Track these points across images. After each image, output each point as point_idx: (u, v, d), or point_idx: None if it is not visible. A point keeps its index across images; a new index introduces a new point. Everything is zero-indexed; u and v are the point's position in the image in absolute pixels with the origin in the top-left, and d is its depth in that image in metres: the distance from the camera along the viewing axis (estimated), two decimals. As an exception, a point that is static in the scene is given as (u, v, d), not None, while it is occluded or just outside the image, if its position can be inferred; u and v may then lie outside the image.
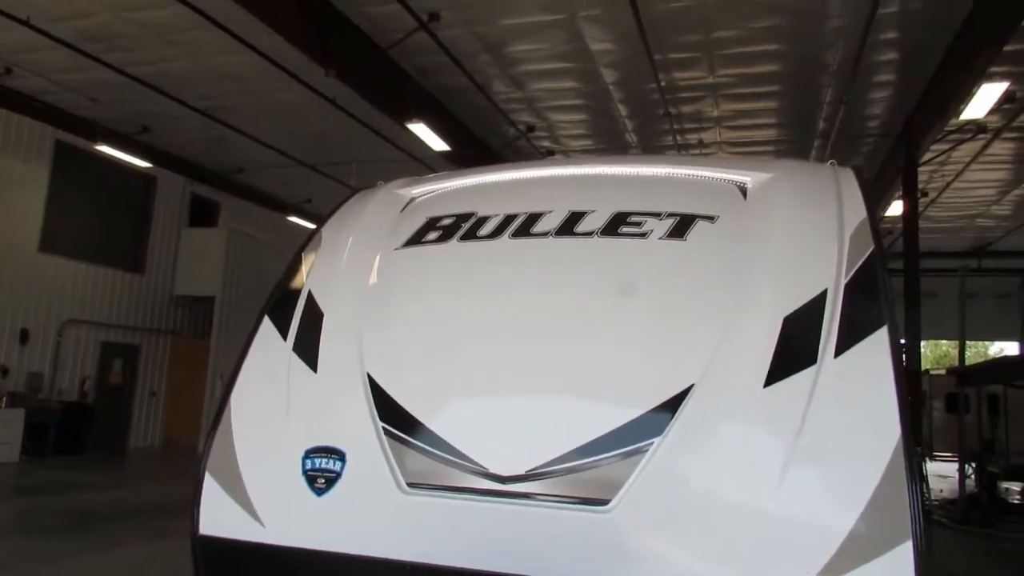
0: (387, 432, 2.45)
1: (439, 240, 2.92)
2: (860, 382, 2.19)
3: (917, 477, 2.02)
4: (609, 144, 13.80)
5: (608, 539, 2.15)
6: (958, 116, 9.38)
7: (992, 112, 9.62)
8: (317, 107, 11.42)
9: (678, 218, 2.69)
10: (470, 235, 2.86)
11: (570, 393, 2.40)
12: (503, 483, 2.27)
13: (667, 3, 8.48)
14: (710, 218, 2.69)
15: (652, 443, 2.19)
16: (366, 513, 2.43)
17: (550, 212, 2.82)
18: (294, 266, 3.11)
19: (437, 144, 11.31)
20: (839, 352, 2.25)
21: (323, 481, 2.45)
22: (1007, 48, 8.13)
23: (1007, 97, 9.33)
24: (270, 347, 2.83)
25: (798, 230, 2.60)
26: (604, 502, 2.16)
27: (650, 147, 13.81)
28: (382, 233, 3.09)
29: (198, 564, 2.57)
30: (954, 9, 8.28)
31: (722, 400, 2.21)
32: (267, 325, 2.89)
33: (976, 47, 8.01)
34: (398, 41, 9.35)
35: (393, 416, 2.47)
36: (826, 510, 2.03)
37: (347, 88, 10.20)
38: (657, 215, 2.72)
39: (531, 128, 12.88)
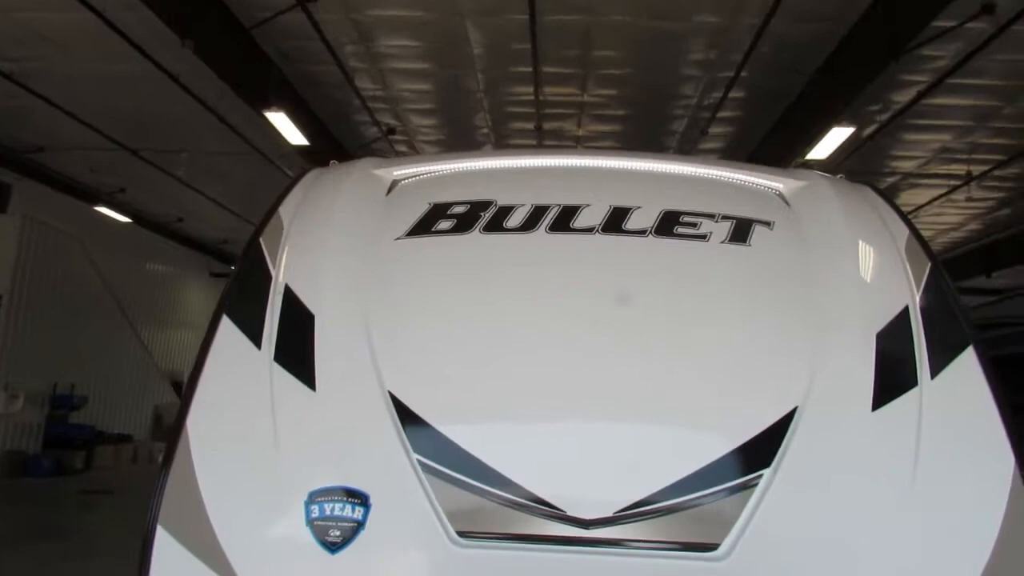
0: (425, 467, 1.93)
1: (455, 231, 2.42)
2: (963, 404, 2.05)
3: (1039, 509, 1.88)
4: (463, 155, 13.53)
5: None
6: (803, 156, 10.20)
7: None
8: (156, 84, 10.03)
9: (734, 221, 2.43)
10: (495, 226, 2.41)
11: (657, 420, 2.03)
12: (586, 528, 1.85)
13: (561, 13, 8.40)
14: (767, 223, 2.46)
15: (761, 475, 1.88)
16: (405, 573, 1.90)
17: (587, 206, 2.44)
18: (254, 255, 2.46)
19: (295, 137, 10.40)
20: (935, 373, 2.09)
21: (338, 533, 1.87)
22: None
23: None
24: (238, 357, 2.18)
25: (860, 243, 2.44)
26: (713, 547, 1.81)
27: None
28: (370, 219, 2.53)
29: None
30: (811, 56, 9.00)
31: (832, 425, 1.96)
32: (228, 328, 2.23)
33: (833, 91, 8.74)
34: (265, 20, 8.45)
35: (432, 447, 1.95)
36: (957, 546, 1.83)
37: (193, 67, 9.06)
38: (711, 216, 2.44)
39: (392, 131, 12.31)
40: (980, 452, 1.97)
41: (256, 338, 2.21)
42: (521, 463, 1.93)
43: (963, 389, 2.07)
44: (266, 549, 1.92)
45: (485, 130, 12.39)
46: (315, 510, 1.90)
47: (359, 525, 1.88)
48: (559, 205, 2.44)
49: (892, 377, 2.05)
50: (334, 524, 1.88)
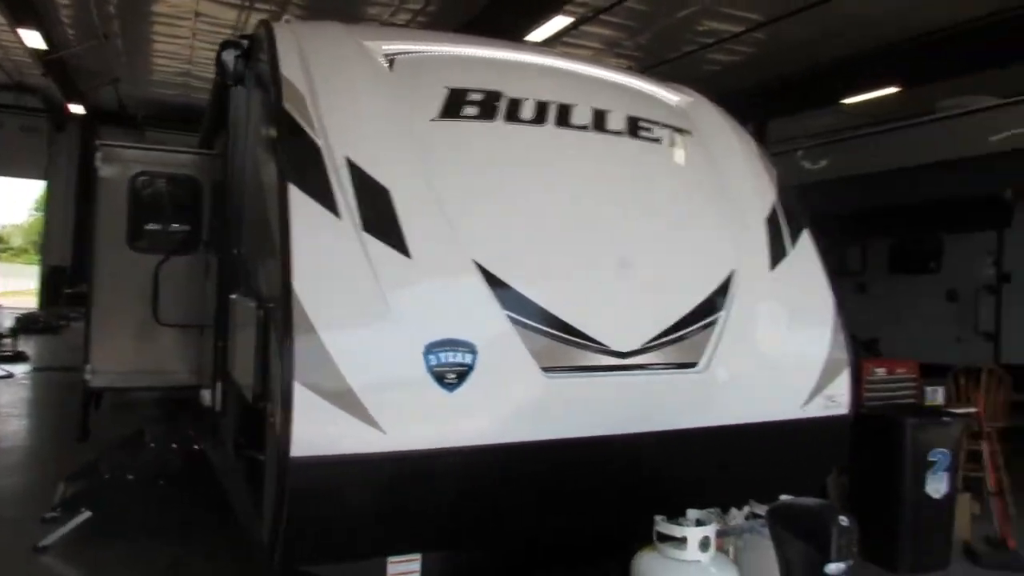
0: (513, 320, 2.45)
1: (480, 118, 2.76)
2: (808, 264, 3.19)
3: (845, 326, 3.13)
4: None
5: (699, 391, 2.75)
6: (522, 38, 11.04)
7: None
8: None
9: (672, 129, 3.18)
10: (513, 117, 2.81)
11: (657, 277, 2.80)
12: (624, 358, 2.61)
13: None
14: (689, 132, 3.25)
15: (719, 316, 2.81)
16: (509, 402, 2.43)
17: (576, 105, 2.95)
18: (287, 122, 2.48)
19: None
20: (793, 245, 3.19)
21: (454, 376, 2.33)
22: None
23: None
24: (321, 225, 2.36)
25: (742, 151, 3.37)
26: (694, 364, 2.73)
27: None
28: (391, 96, 2.71)
29: (289, 495, 2.15)
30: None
31: (752, 281, 2.95)
32: (301, 199, 2.35)
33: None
34: None
35: (516, 304, 2.48)
36: (814, 349, 3.02)
37: None
38: (656, 123, 3.14)
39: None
40: (818, 293, 3.14)
41: (332, 208, 2.37)
42: (579, 313, 2.58)
43: (807, 254, 3.20)
44: (395, 393, 2.29)
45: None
46: (432, 359, 2.31)
47: (469, 368, 2.35)
48: (556, 102, 2.92)
49: (776, 249, 3.09)
50: (449, 369, 2.33)
